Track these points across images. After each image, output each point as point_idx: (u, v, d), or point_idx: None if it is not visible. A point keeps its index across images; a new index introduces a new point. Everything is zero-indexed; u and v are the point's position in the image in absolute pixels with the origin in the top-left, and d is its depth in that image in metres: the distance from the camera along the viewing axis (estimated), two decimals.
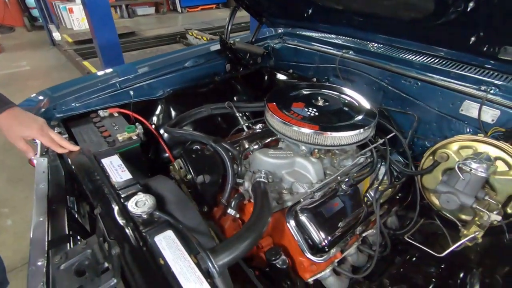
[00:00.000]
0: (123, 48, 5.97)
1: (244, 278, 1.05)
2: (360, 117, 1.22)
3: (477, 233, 0.92)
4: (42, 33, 7.28)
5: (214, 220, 1.20)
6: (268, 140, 1.39)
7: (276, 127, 1.23)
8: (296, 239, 1.04)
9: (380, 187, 1.30)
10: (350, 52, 1.78)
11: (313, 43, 1.99)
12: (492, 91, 1.29)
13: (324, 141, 1.13)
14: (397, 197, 1.39)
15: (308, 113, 1.21)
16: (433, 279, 0.98)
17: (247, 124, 1.68)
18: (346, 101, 1.33)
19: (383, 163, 1.35)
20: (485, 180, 0.99)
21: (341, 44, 1.85)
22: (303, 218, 1.05)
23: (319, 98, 1.29)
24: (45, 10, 6.59)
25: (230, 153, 1.29)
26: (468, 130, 1.34)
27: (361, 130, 1.15)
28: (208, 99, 1.82)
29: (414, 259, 1.08)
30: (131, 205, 0.86)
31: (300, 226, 1.05)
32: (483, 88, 1.31)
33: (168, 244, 0.78)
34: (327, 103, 1.28)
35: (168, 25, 8.51)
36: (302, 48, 2.02)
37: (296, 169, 1.28)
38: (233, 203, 1.20)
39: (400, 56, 1.57)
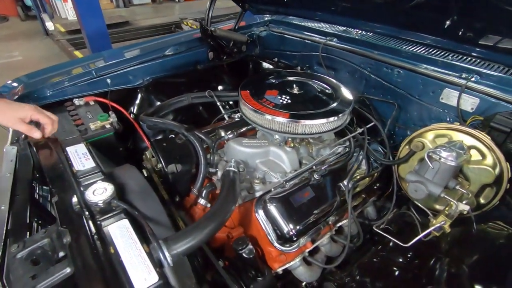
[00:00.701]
0: (116, 39, 5.91)
1: (215, 268, 1.05)
2: (334, 104, 1.18)
3: (442, 222, 0.90)
4: (35, 23, 7.18)
5: (185, 210, 1.19)
6: (244, 129, 1.36)
7: (248, 115, 1.20)
8: (263, 228, 1.03)
9: (358, 177, 1.28)
10: (334, 40, 1.73)
11: (298, 31, 1.94)
12: (473, 79, 1.25)
13: (295, 129, 1.11)
14: (375, 187, 1.36)
15: (281, 100, 1.18)
16: (401, 269, 0.96)
17: (228, 113, 1.65)
18: (323, 89, 1.29)
19: (361, 152, 1.33)
20: (456, 169, 0.96)
21: (326, 31, 1.80)
22: (271, 207, 1.03)
23: (294, 86, 1.25)
24: (38, 0, 6.49)
25: (203, 142, 1.27)
26: (448, 118, 1.31)
27: (335, 117, 1.12)
28: (191, 88, 1.79)
29: (386, 248, 1.06)
30: (88, 193, 0.84)
31: (268, 215, 1.03)
32: (464, 75, 1.27)
33: (121, 233, 0.76)
34: (302, 91, 1.24)
35: (164, 14, 8.38)
36: (287, 35, 1.97)
37: (270, 159, 1.26)
38: (204, 192, 1.18)
39: (383, 43, 1.53)
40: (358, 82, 1.61)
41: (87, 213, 0.82)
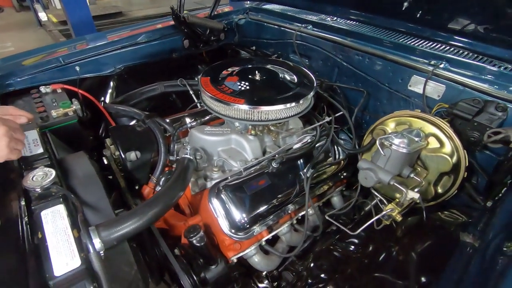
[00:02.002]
0: (109, 29, 5.84)
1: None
2: (295, 90, 1.15)
3: (389, 210, 0.88)
4: (30, 13, 7.11)
5: (144, 198, 1.17)
6: (208, 117, 1.34)
7: (207, 102, 1.17)
8: (215, 216, 1.01)
9: (322, 165, 1.26)
10: (309, 27, 1.69)
11: (275, 18, 1.90)
12: (442, 66, 1.21)
13: (252, 116, 1.08)
14: (342, 176, 1.34)
15: (240, 87, 1.15)
16: (352, 257, 0.94)
17: (200, 101, 1.62)
18: (286, 75, 1.26)
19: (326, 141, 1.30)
20: (409, 156, 0.93)
21: (303, 18, 1.75)
22: (223, 195, 1.01)
23: (257, 72, 1.22)
24: None
25: (164, 130, 1.25)
26: (415, 106, 1.27)
27: (293, 103, 1.09)
28: (166, 77, 1.75)
29: (343, 238, 1.04)
30: (27, 179, 0.83)
31: (221, 203, 1.02)
32: (433, 62, 1.24)
33: (53, 219, 0.75)
34: (263, 77, 1.21)
35: (160, 5, 8.25)
36: (264, 23, 1.93)
37: (232, 147, 1.24)
38: (162, 180, 1.17)
39: (355, 29, 1.48)
40: (331, 70, 1.58)
41: (24, 198, 0.80)
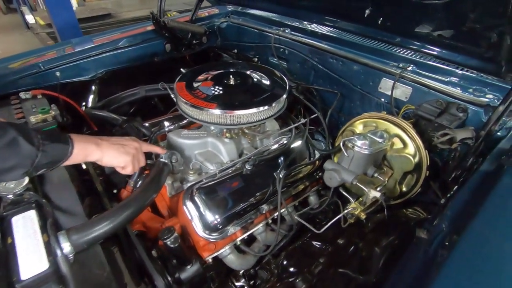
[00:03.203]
0: (96, 31, 5.81)
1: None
2: (267, 94, 1.19)
3: (351, 209, 0.92)
4: (17, 16, 7.04)
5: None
6: (185, 121, 1.37)
7: (181, 106, 1.20)
8: (189, 218, 1.04)
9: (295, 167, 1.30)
10: (287, 31, 1.73)
11: (255, 22, 1.93)
12: (409, 68, 1.26)
13: (224, 120, 1.11)
14: (318, 176, 1.38)
15: (213, 91, 1.18)
16: (319, 255, 0.98)
17: None
18: (260, 79, 1.30)
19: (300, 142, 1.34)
20: (372, 157, 0.97)
21: (281, 22, 1.79)
22: (196, 197, 1.04)
23: (231, 76, 1.25)
24: None
25: (141, 134, 1.28)
26: (386, 108, 1.32)
27: (265, 107, 1.13)
28: (148, 81, 1.77)
29: (312, 236, 1.08)
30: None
31: (195, 205, 1.05)
32: (401, 65, 1.29)
33: (24, 224, 0.77)
34: (238, 82, 1.25)
35: (150, 6, 8.23)
36: (244, 27, 1.96)
37: (209, 150, 1.27)
38: (139, 184, 1.20)
39: (330, 34, 1.53)
40: (308, 72, 1.62)
41: None
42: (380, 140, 0.98)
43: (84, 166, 1.29)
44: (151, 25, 1.86)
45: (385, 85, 1.30)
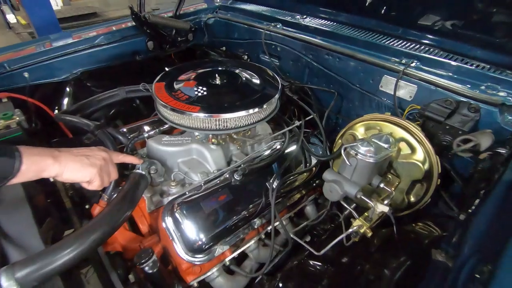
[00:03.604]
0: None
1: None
2: (258, 95, 1.06)
3: (355, 227, 0.80)
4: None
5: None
6: (167, 125, 1.23)
7: (160, 110, 1.07)
8: (170, 237, 0.91)
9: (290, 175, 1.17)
10: (279, 26, 1.60)
11: (244, 17, 1.80)
12: (413, 64, 1.15)
13: (209, 124, 0.98)
14: (315, 184, 1.26)
15: (196, 93, 1.05)
16: (320, 277, 0.86)
17: None
18: (249, 78, 1.17)
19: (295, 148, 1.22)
20: (378, 166, 0.86)
21: (272, 17, 1.67)
22: (177, 214, 0.91)
23: (217, 75, 1.12)
24: None
25: (116, 141, 1.13)
26: (388, 108, 1.21)
27: (255, 109, 1.00)
28: (129, 82, 1.63)
29: (311, 255, 0.96)
30: None
31: (176, 223, 0.91)
32: (404, 61, 1.17)
33: None
34: (224, 81, 1.11)
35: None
36: (233, 22, 1.83)
37: (194, 158, 1.14)
38: (113, 198, 1.05)
39: (325, 28, 1.41)
40: (302, 70, 1.50)
41: None
42: (386, 146, 0.86)
43: (51, 179, 1.14)
44: (131, 21, 1.71)
45: (387, 83, 1.18)
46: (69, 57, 1.56)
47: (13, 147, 0.68)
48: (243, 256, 1.12)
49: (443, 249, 0.69)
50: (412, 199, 0.98)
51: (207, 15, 1.99)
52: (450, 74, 1.07)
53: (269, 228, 1.13)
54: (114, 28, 1.70)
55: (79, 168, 0.77)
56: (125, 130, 1.26)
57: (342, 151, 0.83)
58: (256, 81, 1.15)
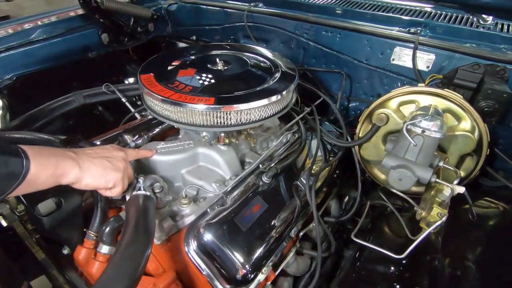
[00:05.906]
0: None
1: None
2: (273, 80, 0.88)
3: (442, 215, 0.68)
4: None
5: (80, 267, 0.77)
6: (158, 129, 0.98)
7: (155, 108, 0.82)
8: (201, 271, 0.68)
9: (316, 169, 1.02)
10: (260, 5, 1.42)
11: None
12: (423, 33, 1.08)
13: (227, 119, 0.77)
14: (335, 175, 1.12)
15: (201, 81, 0.82)
16: (393, 282, 0.72)
17: (139, 110, 1.22)
18: (256, 61, 0.98)
19: (314, 136, 1.07)
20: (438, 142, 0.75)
21: None
22: (208, 239, 0.69)
23: (218, 60, 0.91)
24: None
25: None
26: (403, 83, 1.12)
27: (278, 96, 0.82)
28: (83, 85, 1.29)
29: (368, 257, 0.82)
30: None
31: (206, 251, 0.69)
32: (412, 30, 1.10)
33: None
34: (228, 66, 0.91)
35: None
36: (202, 6, 1.60)
37: (201, 165, 0.91)
38: (106, 233, 0.78)
39: (317, 3, 1.28)
40: (296, 52, 1.34)
41: None
42: (440, 118, 0.75)
43: (4, 224, 0.81)
44: (80, 8, 1.37)
45: (400, 56, 1.09)
46: None
47: (12, 146, 0.51)
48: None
49: None
50: (462, 174, 0.90)
51: (168, 1, 1.72)
52: (467, 38, 1.02)
53: (301, 233, 0.96)
54: (55, 18, 1.34)
55: (102, 173, 0.64)
56: (98, 143, 0.97)
57: (404, 130, 0.70)
58: (266, 64, 0.96)
